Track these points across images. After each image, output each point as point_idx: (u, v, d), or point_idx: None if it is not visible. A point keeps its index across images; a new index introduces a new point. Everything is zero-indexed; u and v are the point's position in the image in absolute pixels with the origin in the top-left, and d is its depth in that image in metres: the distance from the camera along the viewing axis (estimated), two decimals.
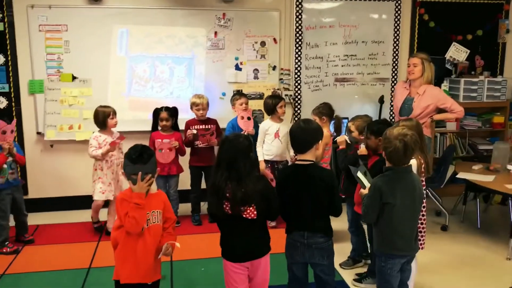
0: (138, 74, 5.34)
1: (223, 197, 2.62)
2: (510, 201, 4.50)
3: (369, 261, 3.88)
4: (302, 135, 2.84)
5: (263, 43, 5.53)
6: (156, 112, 4.88)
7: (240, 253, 2.73)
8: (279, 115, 4.77)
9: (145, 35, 5.30)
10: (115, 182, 4.59)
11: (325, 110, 4.36)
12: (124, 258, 2.67)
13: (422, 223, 3.33)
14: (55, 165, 5.34)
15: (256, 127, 4.88)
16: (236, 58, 5.49)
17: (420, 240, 3.23)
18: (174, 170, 4.85)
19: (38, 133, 5.24)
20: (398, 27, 5.80)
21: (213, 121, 5.04)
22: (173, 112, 4.89)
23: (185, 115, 5.09)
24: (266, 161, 4.76)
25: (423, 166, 3.27)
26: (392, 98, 5.80)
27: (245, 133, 4.56)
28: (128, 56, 5.30)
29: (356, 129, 3.85)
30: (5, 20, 5.01)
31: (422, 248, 3.33)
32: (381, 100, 5.84)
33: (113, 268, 2.73)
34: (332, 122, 4.44)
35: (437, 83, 5.47)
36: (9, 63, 5.10)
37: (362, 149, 3.61)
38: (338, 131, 4.46)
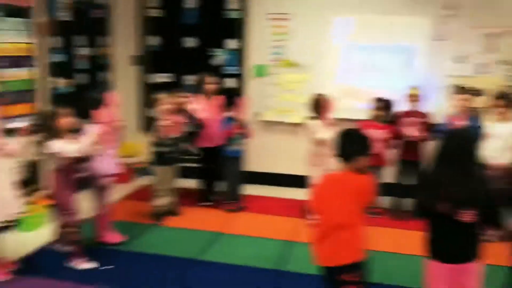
0: (354, 62, 5.41)
1: (441, 194, 2.48)
2: None
3: None
4: None
5: (493, 35, 5.01)
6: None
7: (444, 253, 2.59)
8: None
9: (364, 24, 5.32)
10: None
11: None
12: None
13: None
14: (270, 143, 5.81)
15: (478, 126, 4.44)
16: (460, 50, 5.12)
17: None
18: (381, 162, 4.80)
19: (258, 113, 5.76)
20: None
21: (423, 114, 4.81)
22: (386, 103, 4.82)
23: (400, 107, 4.94)
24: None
25: None
26: None
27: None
28: (346, 44, 5.41)
29: None
30: (241, 9, 5.61)
31: None
32: None
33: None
34: None
35: None
36: (240, 48, 5.71)
37: None
38: None
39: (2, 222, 3.36)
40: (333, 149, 2.69)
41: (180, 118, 4.50)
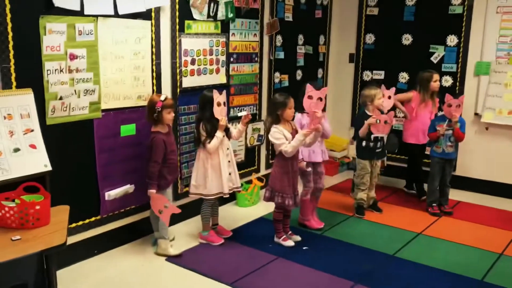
0: None
1: None
2: None
3: None
4: None
5: None
6: None
7: None
8: None
9: None
10: None
11: None
12: None
13: None
14: (487, 148, 5.35)
15: None
16: None
17: None
18: None
19: (476, 114, 5.35)
20: None
21: None
22: None
23: None
24: None
25: None
26: None
27: None
28: None
29: None
30: (465, 3, 5.28)
31: None
32: None
33: None
34: None
35: None
36: (461, 45, 5.37)
37: None
38: None
39: (217, 194, 3.92)
40: None
41: (388, 115, 4.50)
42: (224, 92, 3.89)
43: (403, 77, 5.80)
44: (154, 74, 3.96)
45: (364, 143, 4.55)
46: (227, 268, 3.59)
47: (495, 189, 5.31)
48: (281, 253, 3.85)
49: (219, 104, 3.78)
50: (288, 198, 3.87)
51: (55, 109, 3.26)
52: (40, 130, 2.97)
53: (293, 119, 3.94)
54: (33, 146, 2.90)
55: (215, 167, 3.87)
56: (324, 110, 3.91)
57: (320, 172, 4.31)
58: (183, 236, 4.11)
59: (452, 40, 5.43)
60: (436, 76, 4.92)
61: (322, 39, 6.07)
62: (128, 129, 3.81)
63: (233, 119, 4.66)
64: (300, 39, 5.65)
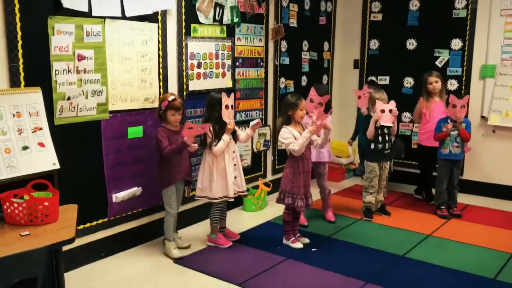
0: None
1: None
2: None
3: None
4: None
5: None
6: None
7: None
8: None
9: None
10: None
11: None
12: None
13: None
14: (494, 150, 5.32)
15: None
16: None
17: None
18: None
19: (482, 117, 5.33)
20: None
21: None
22: None
23: None
24: None
25: None
26: None
27: None
28: None
29: None
30: (469, 6, 5.30)
31: None
32: None
33: None
34: None
35: None
36: (465, 48, 5.38)
37: None
38: None
39: (222, 198, 3.89)
40: None
41: (390, 104, 4.49)
42: (232, 95, 3.89)
43: (408, 82, 5.81)
44: (161, 76, 3.97)
45: (372, 146, 4.53)
46: (236, 269, 3.55)
47: (504, 192, 5.26)
48: (290, 254, 3.81)
49: (227, 107, 3.78)
50: (299, 199, 3.84)
51: (63, 109, 3.27)
52: (48, 128, 2.97)
53: None
54: (41, 144, 2.90)
55: (220, 170, 3.85)
56: (328, 111, 4.00)
57: (320, 173, 4.48)
58: (191, 239, 4.07)
59: (456, 44, 5.44)
60: (431, 79, 4.86)
61: (326, 45, 6.10)
62: (135, 131, 3.80)
63: (239, 124, 4.66)
64: (305, 45, 5.67)
